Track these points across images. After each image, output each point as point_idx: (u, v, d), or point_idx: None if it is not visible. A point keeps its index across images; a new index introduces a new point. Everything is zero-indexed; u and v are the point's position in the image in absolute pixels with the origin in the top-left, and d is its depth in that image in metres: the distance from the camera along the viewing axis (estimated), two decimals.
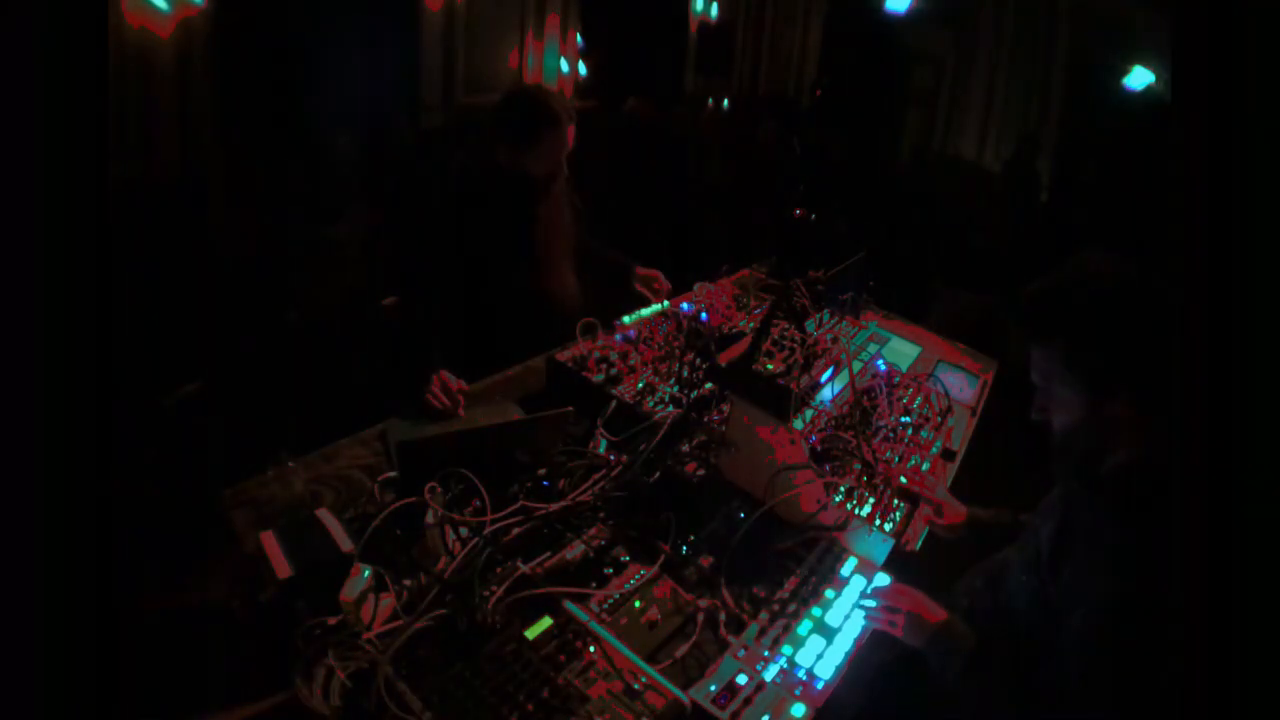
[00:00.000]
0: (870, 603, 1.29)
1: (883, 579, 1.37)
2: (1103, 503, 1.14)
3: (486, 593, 1.16)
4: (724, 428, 1.56)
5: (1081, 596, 1.09)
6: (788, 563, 1.37)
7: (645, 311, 2.20)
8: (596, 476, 1.50)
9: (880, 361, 2.05)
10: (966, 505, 1.58)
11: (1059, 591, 1.15)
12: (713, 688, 1.11)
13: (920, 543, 1.51)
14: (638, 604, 1.23)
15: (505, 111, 2.07)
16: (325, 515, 1.31)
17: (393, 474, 1.47)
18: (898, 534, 1.50)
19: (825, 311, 2.13)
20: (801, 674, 1.16)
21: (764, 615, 1.25)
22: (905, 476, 1.63)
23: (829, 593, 1.32)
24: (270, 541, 1.22)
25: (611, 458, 1.56)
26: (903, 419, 1.83)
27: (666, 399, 1.74)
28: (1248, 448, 0.71)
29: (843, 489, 1.56)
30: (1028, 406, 1.21)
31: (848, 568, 1.39)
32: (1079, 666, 1.06)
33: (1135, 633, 1.01)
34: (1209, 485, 0.74)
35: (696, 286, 2.35)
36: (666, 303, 2.26)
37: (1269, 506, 0.70)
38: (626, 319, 2.07)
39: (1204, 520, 0.74)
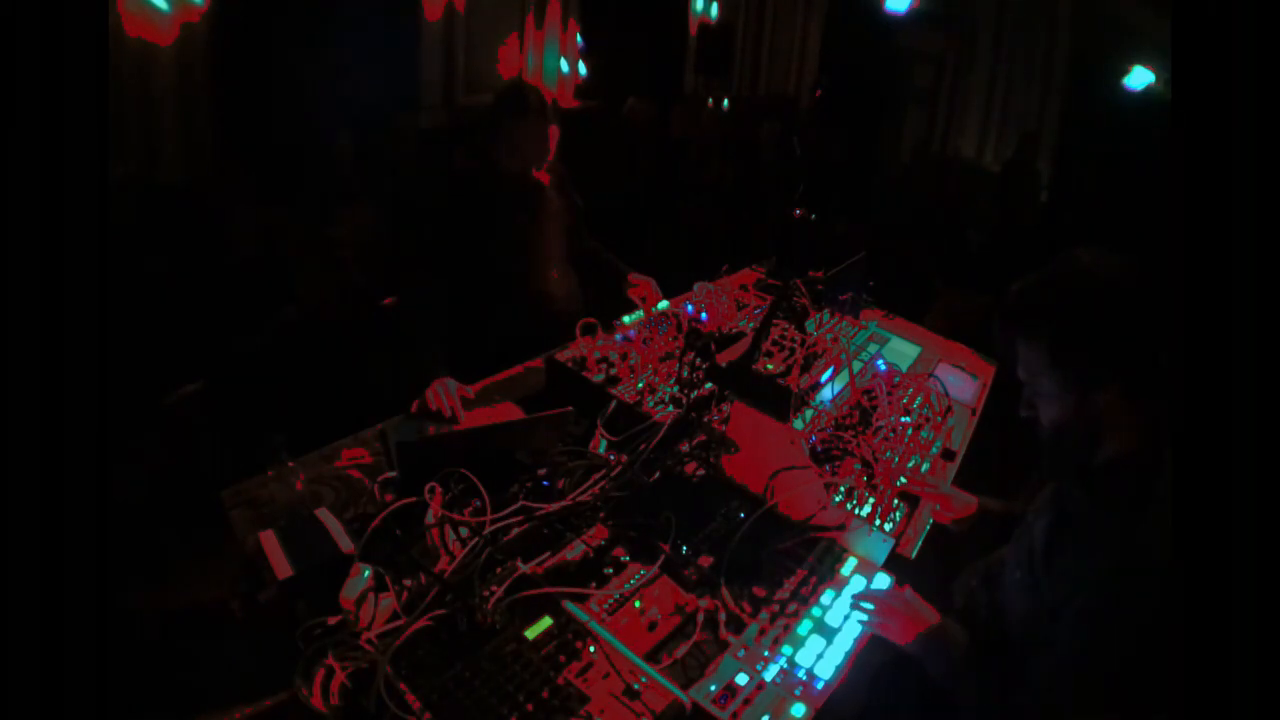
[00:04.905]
0: (865, 605, 1.29)
1: (883, 579, 1.37)
2: (1094, 495, 1.14)
3: (486, 593, 1.16)
4: (724, 428, 1.56)
5: (1075, 588, 1.09)
6: (788, 563, 1.37)
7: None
8: (596, 476, 1.50)
9: (880, 361, 2.05)
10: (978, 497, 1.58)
11: (1053, 586, 1.15)
12: (713, 688, 1.11)
13: (916, 550, 1.51)
14: (638, 604, 1.23)
15: (491, 105, 2.09)
16: (325, 515, 1.31)
17: (393, 474, 1.47)
18: (898, 534, 1.50)
19: (825, 311, 2.13)
20: (801, 674, 1.16)
21: (764, 615, 1.25)
22: (905, 476, 1.63)
23: (829, 593, 1.32)
24: (270, 541, 1.22)
25: (611, 458, 1.56)
26: (903, 419, 1.83)
27: (666, 399, 1.74)
28: (1242, 439, 0.71)
29: (843, 489, 1.56)
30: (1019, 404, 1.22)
31: (848, 568, 1.39)
32: (1071, 660, 1.06)
33: (1128, 624, 1.01)
34: (1202, 475, 0.74)
35: (696, 286, 2.34)
36: (666, 302, 2.26)
37: (1262, 498, 0.70)
38: (626, 319, 2.07)
39: (1198, 510, 0.74)
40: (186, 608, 1.63)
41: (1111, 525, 1.08)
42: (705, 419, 1.65)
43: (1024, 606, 1.22)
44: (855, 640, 1.25)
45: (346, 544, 1.23)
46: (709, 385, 1.69)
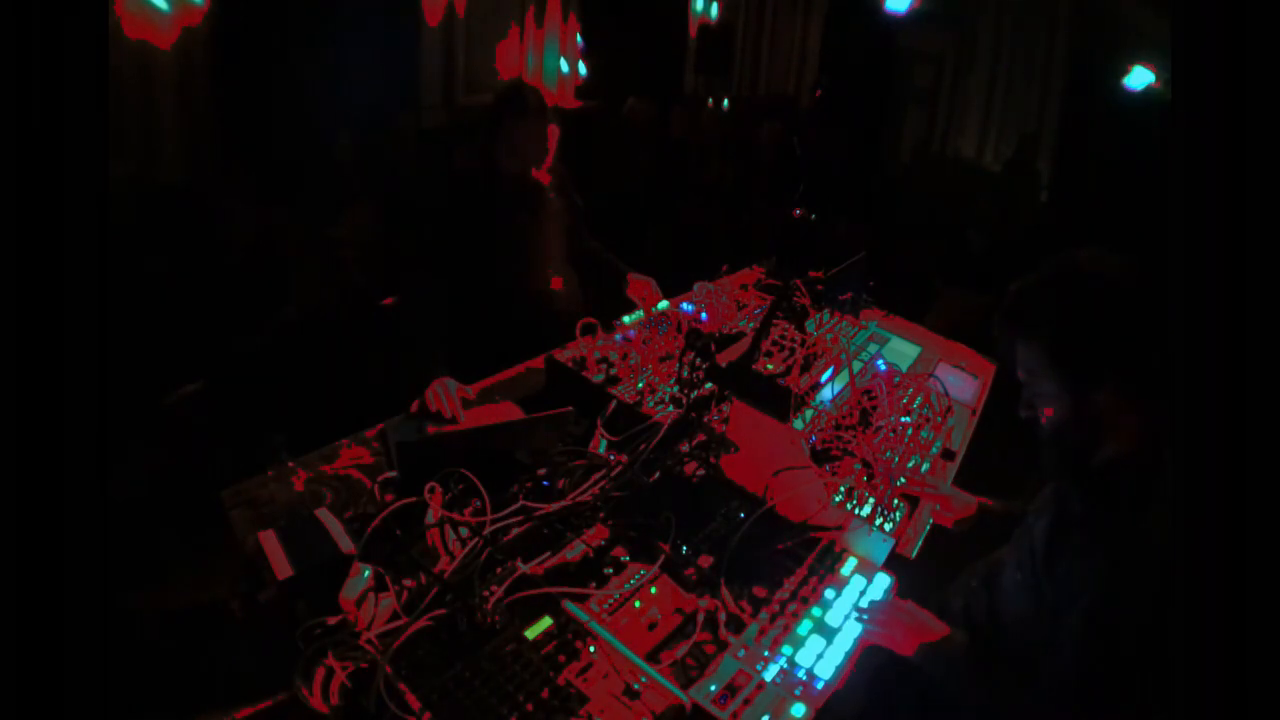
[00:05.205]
0: (867, 616, 1.28)
1: (883, 579, 1.37)
2: (1094, 496, 1.14)
3: (486, 593, 1.16)
4: (724, 428, 1.56)
5: (1076, 590, 1.09)
6: (788, 563, 1.37)
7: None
8: (596, 476, 1.50)
9: (880, 361, 2.05)
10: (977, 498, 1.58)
11: (1054, 586, 1.15)
12: (713, 688, 1.11)
13: (916, 550, 1.51)
14: (638, 604, 1.23)
15: (491, 105, 2.09)
16: (325, 515, 1.31)
17: (393, 474, 1.47)
18: (898, 534, 1.50)
19: (825, 311, 2.13)
20: (801, 674, 1.16)
21: (764, 615, 1.25)
22: (905, 476, 1.63)
23: (829, 593, 1.32)
24: (270, 541, 1.22)
25: (611, 458, 1.56)
26: (903, 419, 1.83)
27: (666, 399, 1.74)
28: (1247, 439, 0.71)
29: (843, 489, 1.56)
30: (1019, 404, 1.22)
31: (848, 568, 1.39)
32: (1075, 660, 1.06)
33: (1130, 624, 1.01)
34: (1206, 474, 0.74)
35: (696, 286, 2.34)
36: (666, 302, 2.26)
37: (1262, 498, 0.70)
38: (626, 319, 2.07)
39: (1202, 509, 0.74)
40: (186, 608, 1.64)
41: (1111, 525, 1.08)
42: (705, 419, 1.65)
43: (1024, 607, 1.22)
44: (855, 640, 1.25)
45: (346, 544, 1.23)
46: (709, 385, 1.69)
